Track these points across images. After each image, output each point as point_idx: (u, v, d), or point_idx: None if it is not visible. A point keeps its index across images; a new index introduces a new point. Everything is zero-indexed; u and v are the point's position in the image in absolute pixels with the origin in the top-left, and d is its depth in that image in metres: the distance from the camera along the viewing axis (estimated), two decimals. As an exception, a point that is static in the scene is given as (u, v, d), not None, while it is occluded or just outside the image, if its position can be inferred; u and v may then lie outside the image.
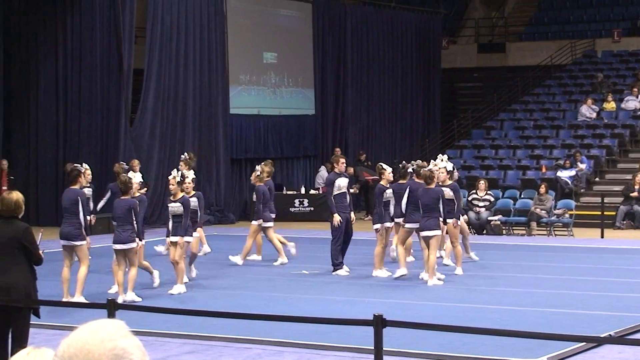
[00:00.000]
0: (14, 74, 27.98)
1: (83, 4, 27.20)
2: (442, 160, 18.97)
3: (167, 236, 15.94)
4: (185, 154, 20.42)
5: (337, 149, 29.42)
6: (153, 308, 12.65)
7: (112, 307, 9.70)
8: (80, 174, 15.20)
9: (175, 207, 15.69)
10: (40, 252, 9.97)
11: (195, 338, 12.12)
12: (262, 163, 20.00)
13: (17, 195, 9.96)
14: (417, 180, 17.63)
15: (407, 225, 17.34)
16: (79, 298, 14.54)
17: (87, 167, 17.73)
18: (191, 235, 16.07)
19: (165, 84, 27.65)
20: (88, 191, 17.33)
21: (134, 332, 2.18)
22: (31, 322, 9.96)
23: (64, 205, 14.99)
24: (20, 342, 9.42)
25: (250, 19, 30.50)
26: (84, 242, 14.83)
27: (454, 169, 18.24)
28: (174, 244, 15.64)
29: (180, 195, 15.75)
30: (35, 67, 27.83)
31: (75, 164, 16.25)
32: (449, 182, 18.50)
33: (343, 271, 17.80)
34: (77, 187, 14.99)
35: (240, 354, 11.44)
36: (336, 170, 18.19)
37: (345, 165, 18.68)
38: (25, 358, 2.74)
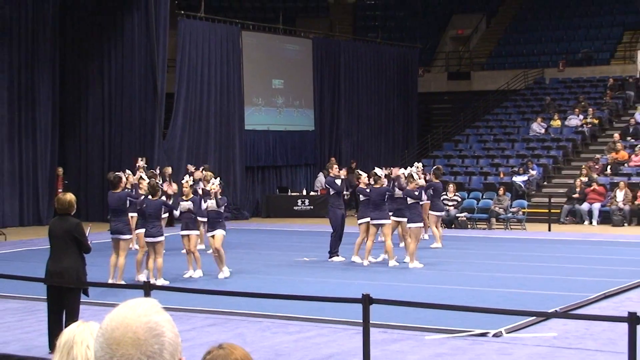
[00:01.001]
0: (68, 97, 28.02)
1: (125, 40, 27.21)
2: (417, 166, 19.49)
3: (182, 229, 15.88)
4: (142, 161, 20.66)
5: (332, 159, 29.37)
6: (181, 289, 12.64)
7: (147, 288, 9.67)
8: (121, 180, 15.13)
9: (186, 205, 15.64)
10: (89, 242, 9.96)
11: (216, 313, 12.08)
12: (203, 169, 20.03)
13: (70, 196, 9.95)
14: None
15: (359, 221, 17.31)
16: (120, 281, 14.50)
17: (130, 172, 17.68)
18: (197, 230, 16.04)
19: (191, 105, 27.64)
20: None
21: (165, 309, 2.16)
22: (81, 300, 9.95)
23: (112, 207, 14.69)
24: (72, 317, 9.40)
25: (262, 52, 30.47)
26: (130, 236, 14.75)
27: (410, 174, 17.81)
28: (186, 237, 15.62)
29: (191, 196, 15.73)
30: (85, 91, 27.87)
31: (116, 172, 16.14)
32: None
33: (338, 258, 17.79)
34: (119, 190, 14.92)
35: (253, 326, 11.41)
36: (332, 174, 18.21)
37: (338, 169, 18.71)
38: (76, 330, 2.72)
